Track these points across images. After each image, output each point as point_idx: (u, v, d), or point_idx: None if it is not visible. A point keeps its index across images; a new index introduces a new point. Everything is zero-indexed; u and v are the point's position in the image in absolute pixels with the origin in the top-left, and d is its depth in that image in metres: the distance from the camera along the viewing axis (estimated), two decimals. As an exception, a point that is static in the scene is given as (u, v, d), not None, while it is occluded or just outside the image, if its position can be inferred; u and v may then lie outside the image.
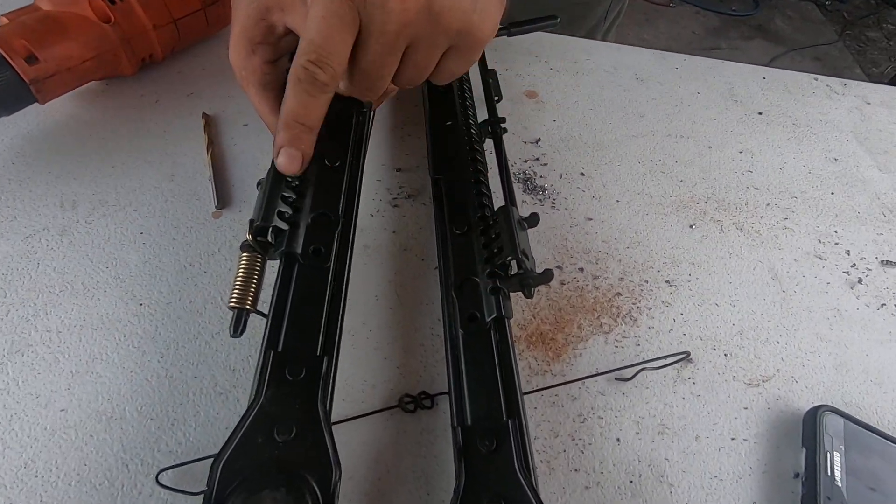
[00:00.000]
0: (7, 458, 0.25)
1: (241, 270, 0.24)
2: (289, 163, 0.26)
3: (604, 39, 0.70)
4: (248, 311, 0.23)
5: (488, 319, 0.27)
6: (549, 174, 0.42)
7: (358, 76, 0.26)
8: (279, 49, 0.28)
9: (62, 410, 0.26)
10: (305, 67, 0.24)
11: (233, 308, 0.23)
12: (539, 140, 0.44)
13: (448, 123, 0.38)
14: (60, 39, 0.35)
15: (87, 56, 0.36)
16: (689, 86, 0.51)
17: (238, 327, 0.23)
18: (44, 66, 0.34)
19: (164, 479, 0.24)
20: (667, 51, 0.55)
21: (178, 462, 0.25)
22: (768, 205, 0.42)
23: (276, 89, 0.29)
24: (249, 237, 0.24)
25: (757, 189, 0.43)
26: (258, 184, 0.27)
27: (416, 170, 0.40)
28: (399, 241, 0.35)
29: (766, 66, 0.55)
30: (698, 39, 2.20)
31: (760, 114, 0.50)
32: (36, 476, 0.24)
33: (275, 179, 0.26)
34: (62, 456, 0.25)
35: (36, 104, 0.35)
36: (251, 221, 0.25)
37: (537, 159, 0.42)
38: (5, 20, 0.34)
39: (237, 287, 0.23)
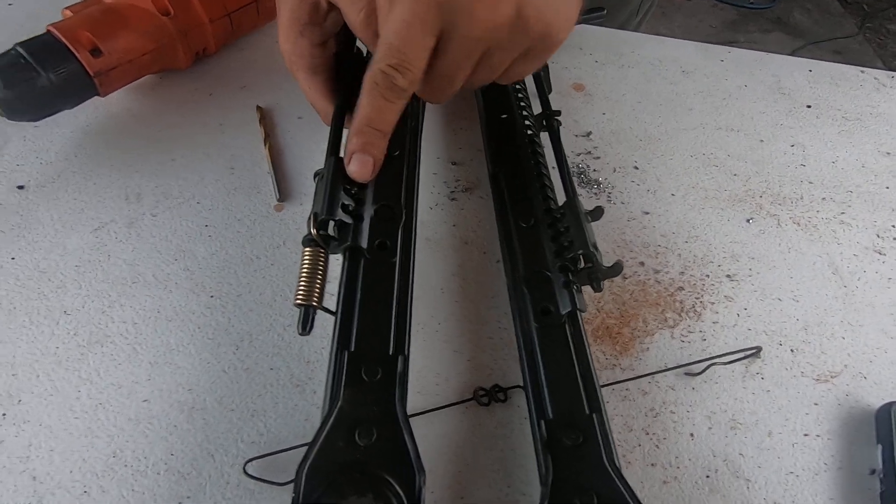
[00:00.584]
0: (96, 447, 0.25)
1: (306, 266, 0.23)
2: (361, 169, 0.25)
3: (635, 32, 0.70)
4: (315, 308, 0.23)
5: (563, 313, 0.27)
6: (603, 168, 0.41)
7: (432, 81, 0.26)
8: (325, 30, 0.28)
9: (145, 401, 0.26)
10: (384, 72, 0.23)
11: (299, 306, 0.23)
12: (590, 133, 0.43)
13: (504, 117, 0.37)
14: (123, 32, 0.35)
15: (148, 49, 0.36)
16: (736, 79, 0.51)
17: (306, 325, 0.23)
18: (107, 59, 0.34)
19: (250, 469, 0.24)
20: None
21: (263, 453, 0.25)
22: (824, 199, 0.42)
23: (324, 72, 0.29)
24: (314, 231, 0.24)
25: (811, 183, 0.43)
26: (315, 175, 0.27)
27: (470, 163, 0.40)
28: (459, 234, 0.35)
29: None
30: (716, 33, 2.18)
31: (809, 107, 0.49)
32: (125, 465, 0.24)
33: (335, 171, 0.26)
34: (149, 445, 0.25)
35: (95, 97, 0.36)
36: (315, 215, 0.24)
37: (589, 153, 0.42)
38: (69, 13, 0.35)
39: (302, 284, 0.23)
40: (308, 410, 0.27)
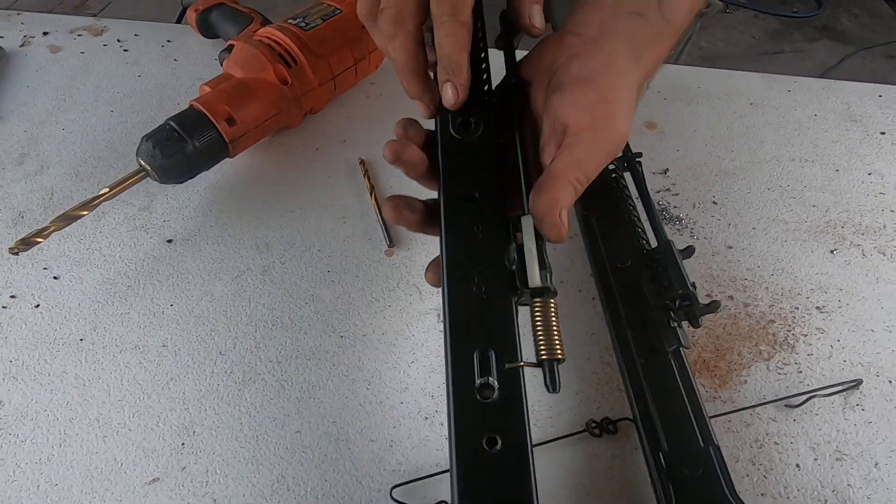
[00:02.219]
0: (262, 474, 0.29)
1: (539, 319, 0.23)
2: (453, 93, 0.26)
3: (677, 61, 0.71)
4: (560, 362, 0.22)
5: (668, 350, 0.29)
6: (683, 203, 0.43)
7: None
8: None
9: (297, 432, 0.30)
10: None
11: (543, 361, 0.22)
12: (667, 170, 0.46)
13: None
14: (251, 102, 0.40)
15: (271, 114, 0.41)
16: (805, 109, 0.52)
17: (555, 383, 0.22)
18: (240, 127, 0.39)
19: (396, 494, 0.28)
20: (727, 59, 0.55)
21: (405, 480, 0.28)
22: (907, 227, 0.42)
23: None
24: (550, 284, 0.23)
25: (893, 212, 0.43)
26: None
27: (556, 204, 0.43)
28: (555, 274, 0.38)
29: (836, 66, 0.54)
30: (759, 44, 2.14)
31: (883, 133, 0.50)
32: (289, 489, 0.28)
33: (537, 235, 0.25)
34: (305, 472, 0.29)
35: (226, 158, 0.41)
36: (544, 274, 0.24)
37: (668, 189, 0.44)
38: (207, 88, 0.40)
39: (541, 337, 0.23)
40: (438, 441, 0.30)
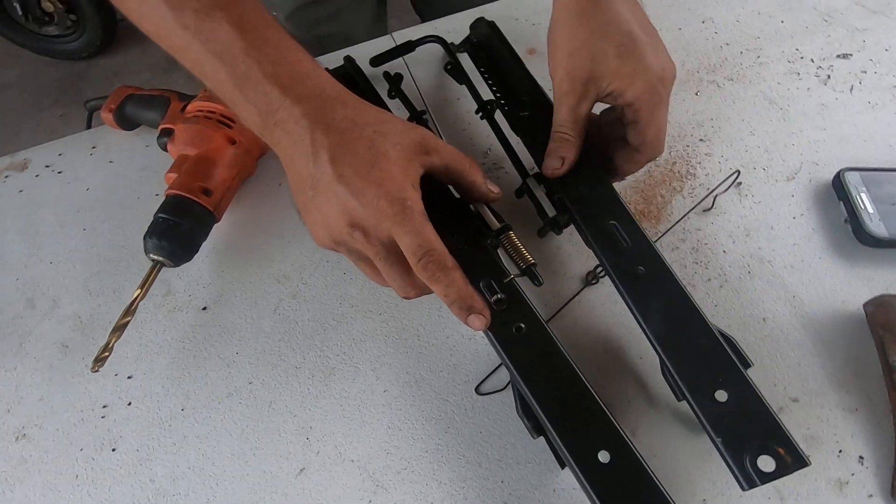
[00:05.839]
0: (374, 427, 0.37)
1: (511, 245, 0.36)
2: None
3: None
4: (535, 266, 0.35)
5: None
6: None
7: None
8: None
9: (384, 391, 0.39)
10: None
11: (524, 268, 0.35)
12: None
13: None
14: (215, 170, 0.45)
15: (234, 173, 0.47)
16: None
17: (537, 278, 0.35)
18: (216, 194, 0.45)
19: (482, 389, 0.37)
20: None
21: (481, 380, 0.38)
22: (741, 52, 0.54)
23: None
24: (506, 223, 0.36)
25: (728, 44, 0.55)
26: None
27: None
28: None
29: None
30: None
31: (703, -16, 0.61)
32: (398, 431, 0.37)
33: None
34: (403, 407, 0.38)
35: (216, 224, 0.46)
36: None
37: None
38: (173, 175, 0.45)
39: (515, 256, 0.35)
40: (487, 349, 0.39)
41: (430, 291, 0.33)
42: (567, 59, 0.37)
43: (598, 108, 0.39)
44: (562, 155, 0.38)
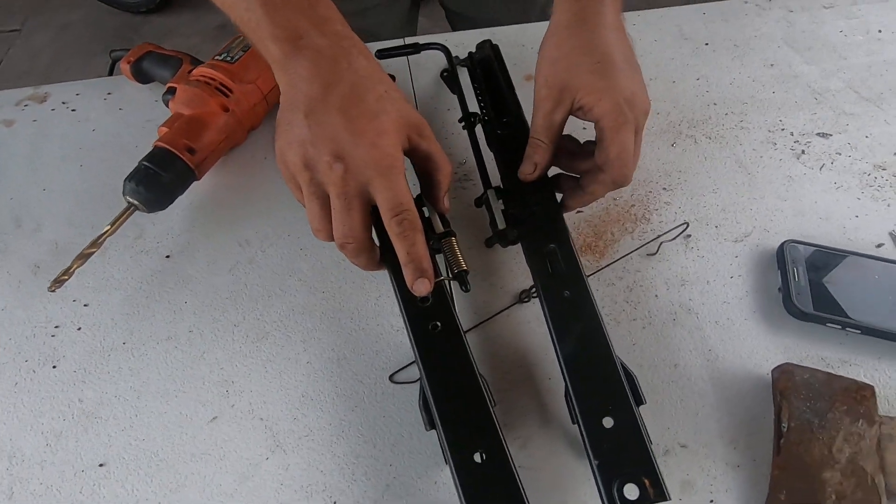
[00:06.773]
0: (288, 391, 0.40)
1: (450, 250, 0.37)
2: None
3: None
4: (466, 273, 0.36)
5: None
6: (560, 134, 0.55)
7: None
8: None
9: (307, 363, 0.41)
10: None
11: (456, 273, 0.36)
12: (545, 111, 0.57)
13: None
14: (204, 132, 0.49)
15: (221, 139, 0.50)
16: (647, 36, 0.64)
17: (466, 284, 0.36)
18: (199, 154, 0.48)
19: (396, 378, 0.39)
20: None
21: (395, 369, 0.40)
22: (727, 114, 0.56)
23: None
24: (450, 229, 0.38)
25: (716, 104, 0.57)
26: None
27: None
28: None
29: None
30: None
31: (707, 44, 0.63)
32: (311, 400, 0.39)
33: None
34: (321, 386, 0.40)
35: (195, 181, 0.50)
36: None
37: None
38: (165, 129, 0.49)
39: (451, 261, 0.36)
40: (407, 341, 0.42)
41: (364, 252, 0.35)
42: (548, 67, 0.40)
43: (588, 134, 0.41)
44: (535, 161, 0.40)
